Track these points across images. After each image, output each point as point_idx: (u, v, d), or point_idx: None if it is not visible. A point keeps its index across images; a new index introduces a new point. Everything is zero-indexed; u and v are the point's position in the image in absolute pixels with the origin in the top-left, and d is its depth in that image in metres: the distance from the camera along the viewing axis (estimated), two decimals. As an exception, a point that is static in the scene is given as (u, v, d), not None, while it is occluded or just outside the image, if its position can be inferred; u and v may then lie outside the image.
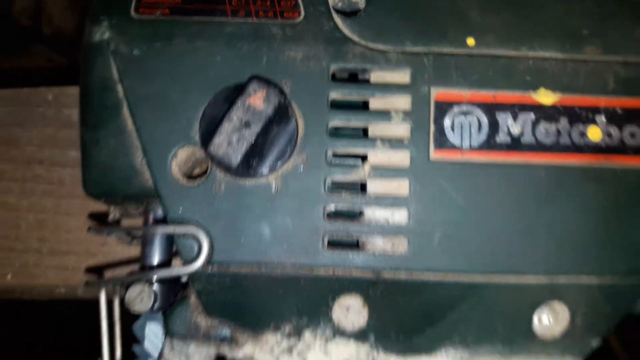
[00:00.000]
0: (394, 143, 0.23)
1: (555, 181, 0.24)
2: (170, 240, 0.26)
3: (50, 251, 0.34)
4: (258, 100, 0.21)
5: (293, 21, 0.24)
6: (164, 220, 0.25)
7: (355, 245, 0.24)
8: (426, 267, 0.24)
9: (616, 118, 0.24)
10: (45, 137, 0.36)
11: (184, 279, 0.27)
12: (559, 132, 0.24)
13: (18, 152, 0.36)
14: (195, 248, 0.23)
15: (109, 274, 0.34)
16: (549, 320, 0.25)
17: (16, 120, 0.36)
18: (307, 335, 0.25)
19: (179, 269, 0.23)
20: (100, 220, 0.34)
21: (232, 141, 0.21)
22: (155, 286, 0.25)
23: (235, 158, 0.22)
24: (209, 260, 0.23)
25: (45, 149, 0.36)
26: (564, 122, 0.24)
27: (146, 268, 0.25)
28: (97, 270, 0.34)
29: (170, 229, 0.23)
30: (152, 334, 0.27)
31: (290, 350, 0.25)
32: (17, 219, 0.35)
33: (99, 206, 0.33)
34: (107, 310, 0.27)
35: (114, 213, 0.28)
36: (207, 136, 0.22)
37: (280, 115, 0.22)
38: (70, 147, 0.36)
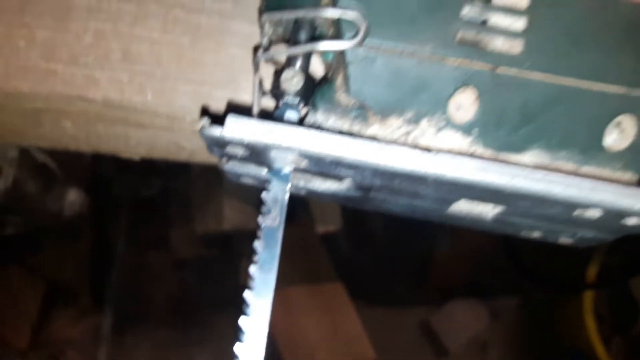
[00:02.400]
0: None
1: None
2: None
3: (186, 80, 0.40)
4: None
5: None
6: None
7: (479, 45, 0.30)
8: (532, 66, 0.30)
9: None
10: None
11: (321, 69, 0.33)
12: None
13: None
14: (355, 28, 0.29)
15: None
16: (618, 135, 0.31)
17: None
18: (424, 123, 0.31)
19: (342, 42, 0.29)
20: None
21: None
22: (303, 76, 0.32)
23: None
24: (363, 40, 0.29)
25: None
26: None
27: (307, 40, 0.31)
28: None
29: (338, 12, 0.29)
30: (288, 119, 0.33)
31: (407, 134, 0.32)
32: (159, 52, 0.40)
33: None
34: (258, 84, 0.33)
35: (266, 36, 0.34)
36: None
37: None
38: None
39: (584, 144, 0.31)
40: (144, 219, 1.67)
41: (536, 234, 0.36)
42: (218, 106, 0.39)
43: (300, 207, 1.53)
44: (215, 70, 0.39)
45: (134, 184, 1.58)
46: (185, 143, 0.44)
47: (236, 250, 1.52)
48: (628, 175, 0.32)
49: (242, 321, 0.30)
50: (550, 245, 0.40)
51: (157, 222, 1.63)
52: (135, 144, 0.45)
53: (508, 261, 1.48)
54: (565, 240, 0.36)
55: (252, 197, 1.40)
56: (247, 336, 0.29)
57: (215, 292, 1.67)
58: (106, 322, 1.57)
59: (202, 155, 0.45)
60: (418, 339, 1.73)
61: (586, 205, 0.29)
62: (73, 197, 1.14)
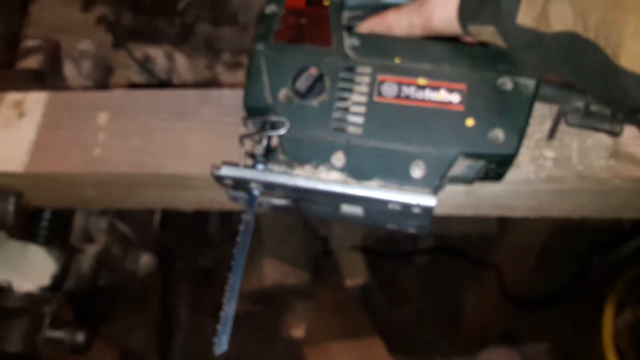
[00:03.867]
0: (361, 93, 0.63)
1: (421, 115, 0.62)
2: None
3: (215, 160, 0.75)
4: (313, 71, 0.62)
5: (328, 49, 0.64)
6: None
7: (343, 129, 0.63)
8: (368, 139, 0.63)
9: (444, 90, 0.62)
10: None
11: (274, 142, 0.67)
12: (425, 94, 0.62)
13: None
14: (284, 125, 0.63)
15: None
16: (418, 170, 0.62)
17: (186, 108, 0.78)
18: (321, 167, 0.64)
19: (278, 131, 0.63)
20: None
21: (302, 82, 0.62)
22: (264, 146, 0.65)
23: (303, 89, 0.62)
24: (289, 130, 0.63)
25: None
26: (427, 91, 0.62)
27: (266, 130, 0.65)
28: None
29: (275, 117, 0.63)
30: (258, 168, 0.66)
31: (313, 172, 0.64)
32: (201, 148, 0.75)
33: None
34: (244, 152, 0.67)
35: (248, 127, 0.68)
36: (294, 82, 0.63)
37: (319, 79, 0.62)
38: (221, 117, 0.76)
39: (400, 175, 0.63)
40: (202, 286, 1.98)
41: (392, 226, 0.68)
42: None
43: (326, 265, 1.81)
44: (230, 154, 0.73)
45: (193, 255, 1.91)
46: (217, 198, 0.78)
47: (277, 304, 1.81)
48: (427, 190, 0.63)
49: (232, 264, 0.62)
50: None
51: (212, 288, 1.93)
52: (189, 201, 0.80)
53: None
54: (410, 229, 0.67)
55: (287, 256, 1.71)
56: (232, 274, 0.62)
57: (264, 348, 1.92)
58: (173, 385, 1.84)
59: (228, 205, 0.79)
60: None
61: (387, 202, 0.60)
62: (145, 260, 1.51)
